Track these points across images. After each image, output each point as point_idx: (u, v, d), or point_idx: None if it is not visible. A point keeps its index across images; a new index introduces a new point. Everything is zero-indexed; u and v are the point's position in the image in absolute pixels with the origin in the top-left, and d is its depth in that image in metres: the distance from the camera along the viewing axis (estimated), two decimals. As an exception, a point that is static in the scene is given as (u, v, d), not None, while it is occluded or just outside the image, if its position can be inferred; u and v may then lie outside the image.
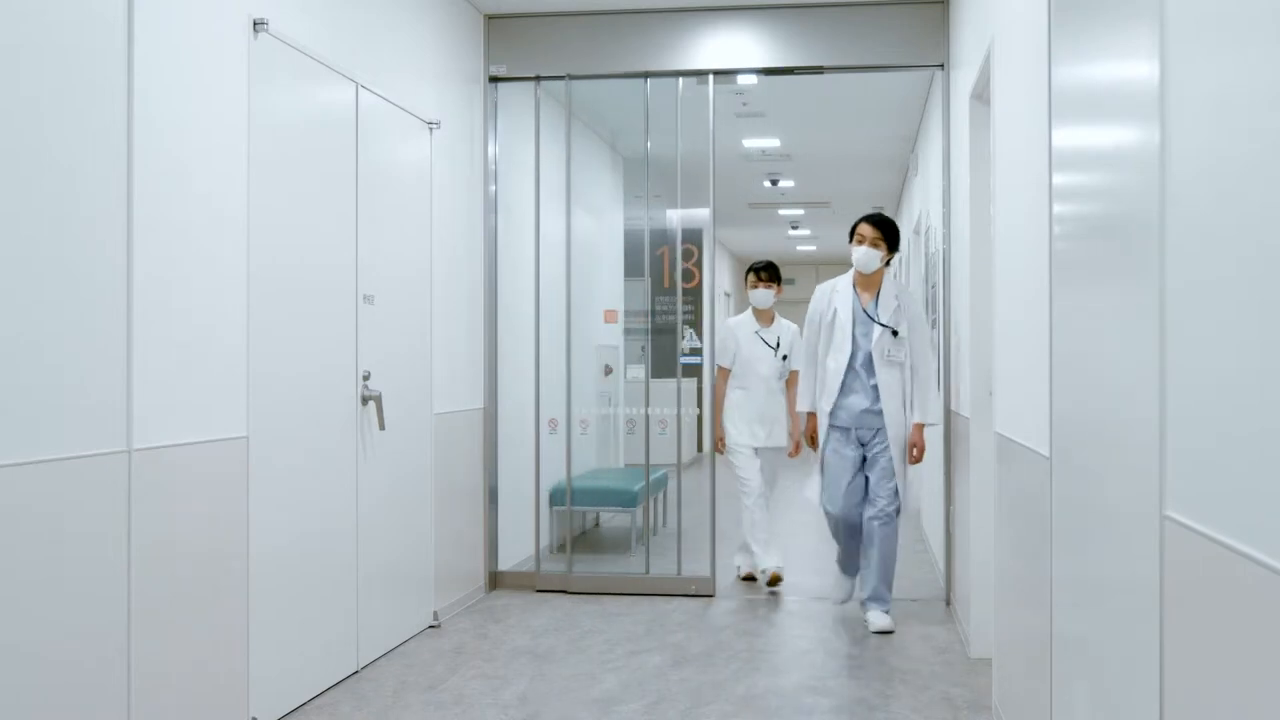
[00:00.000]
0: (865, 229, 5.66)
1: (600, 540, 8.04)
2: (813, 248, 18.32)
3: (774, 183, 11.65)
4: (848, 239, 5.74)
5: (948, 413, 5.99)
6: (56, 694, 2.93)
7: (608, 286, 8.76)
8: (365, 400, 4.76)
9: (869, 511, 5.60)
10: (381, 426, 4.86)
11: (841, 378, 5.60)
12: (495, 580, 6.49)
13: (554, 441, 6.98)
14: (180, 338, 3.48)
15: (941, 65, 6.16)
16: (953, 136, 5.93)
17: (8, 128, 2.77)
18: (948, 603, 6.01)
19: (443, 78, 5.83)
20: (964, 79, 5.22)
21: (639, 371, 8.01)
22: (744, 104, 8.22)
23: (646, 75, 6.36)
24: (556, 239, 6.79)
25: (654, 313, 8.20)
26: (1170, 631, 1.84)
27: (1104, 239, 2.33)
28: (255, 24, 3.91)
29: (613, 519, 8.60)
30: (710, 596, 6.33)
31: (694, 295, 15.88)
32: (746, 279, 6.88)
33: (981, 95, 4.76)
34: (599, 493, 7.18)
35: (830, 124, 9.02)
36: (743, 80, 6.86)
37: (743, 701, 4.36)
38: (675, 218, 7.52)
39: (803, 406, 5.94)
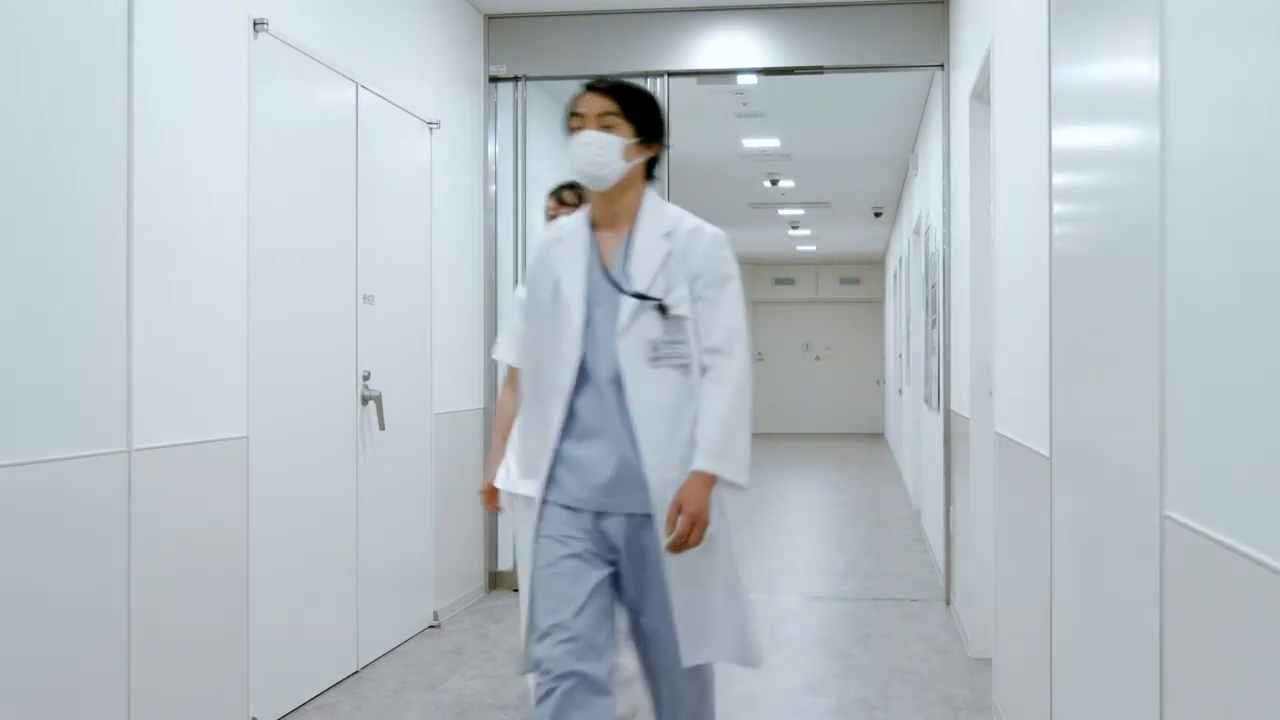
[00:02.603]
0: (591, 100, 2.81)
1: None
2: (813, 248, 18.32)
3: (774, 183, 11.65)
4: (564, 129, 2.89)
5: (947, 413, 5.98)
6: (57, 694, 2.93)
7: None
8: (365, 400, 4.76)
9: (656, 676, 2.86)
10: (381, 426, 4.86)
11: (566, 404, 2.76)
12: (495, 580, 6.49)
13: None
14: (180, 338, 3.48)
15: (941, 65, 6.16)
16: (953, 136, 5.93)
17: (8, 128, 2.77)
18: (948, 603, 6.01)
19: (443, 78, 5.83)
20: (964, 79, 5.22)
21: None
22: (744, 104, 8.22)
23: (646, 75, 6.36)
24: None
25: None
26: (1170, 631, 1.84)
27: (1104, 239, 2.33)
28: (255, 24, 3.91)
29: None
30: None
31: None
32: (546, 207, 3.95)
33: (981, 95, 4.76)
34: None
35: (830, 124, 9.02)
36: (743, 80, 6.86)
37: (743, 702, 4.36)
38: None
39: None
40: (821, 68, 6.31)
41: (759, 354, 20.58)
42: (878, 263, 19.79)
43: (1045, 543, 2.94)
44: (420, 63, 5.57)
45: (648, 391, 2.72)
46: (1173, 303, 1.81)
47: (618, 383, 2.73)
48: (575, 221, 2.91)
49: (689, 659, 2.72)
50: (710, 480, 2.67)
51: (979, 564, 4.85)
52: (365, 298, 4.78)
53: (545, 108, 6.73)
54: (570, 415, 2.76)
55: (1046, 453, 2.91)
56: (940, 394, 6.34)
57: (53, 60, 2.93)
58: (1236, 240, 1.53)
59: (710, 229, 2.83)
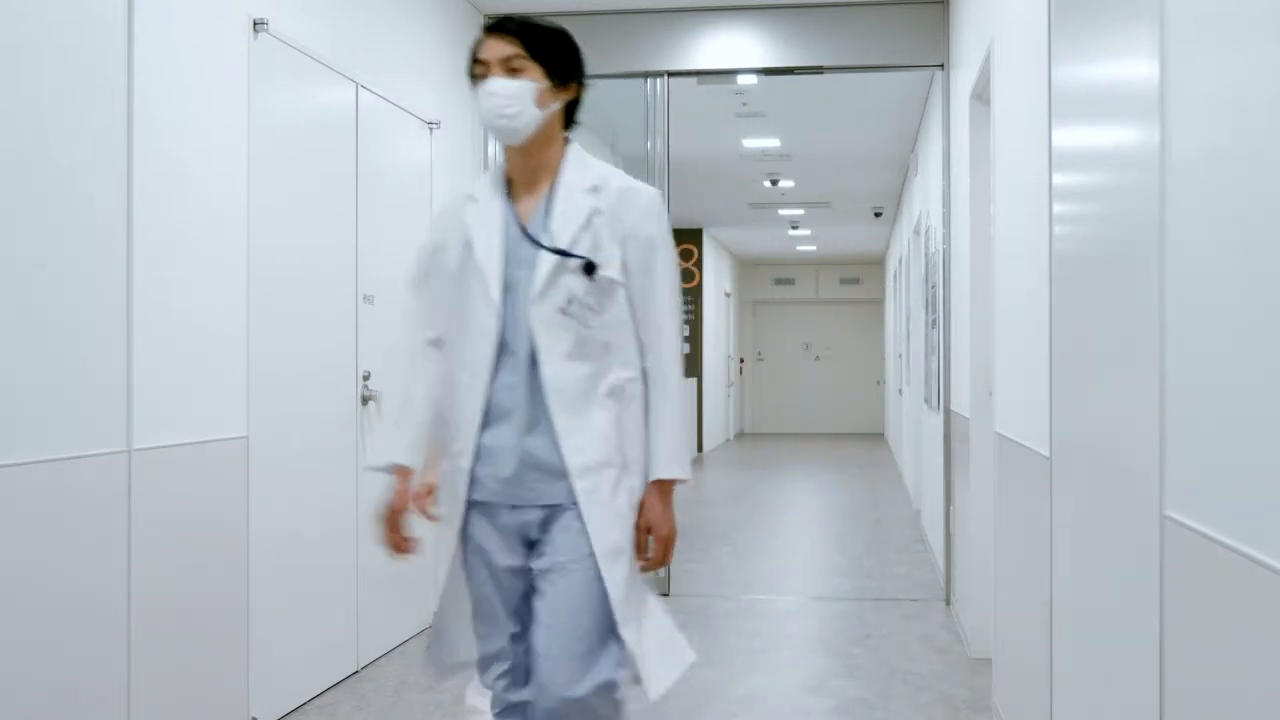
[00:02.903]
0: (493, 45, 2.53)
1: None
2: (813, 248, 18.32)
3: (774, 183, 11.65)
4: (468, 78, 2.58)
5: (947, 413, 5.97)
6: (57, 694, 2.93)
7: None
8: (365, 400, 4.76)
9: (539, 703, 2.40)
10: (381, 426, 4.86)
11: (487, 385, 2.44)
12: (495, 580, 6.49)
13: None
14: (180, 338, 3.49)
15: (941, 65, 6.16)
16: (953, 136, 5.93)
17: (8, 128, 2.77)
18: (948, 603, 6.01)
19: (443, 78, 5.83)
20: (964, 79, 5.22)
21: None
22: (744, 104, 8.22)
23: (646, 75, 6.36)
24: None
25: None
26: (1170, 631, 1.84)
27: (1104, 239, 2.34)
28: (255, 24, 3.91)
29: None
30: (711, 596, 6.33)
31: (694, 295, 15.92)
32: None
33: (981, 95, 4.76)
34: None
35: (830, 124, 9.02)
36: (743, 80, 6.86)
37: (743, 702, 4.36)
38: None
39: (389, 456, 2.59)
40: (821, 68, 6.32)
41: (759, 354, 20.61)
42: (878, 263, 19.79)
43: (1045, 543, 2.94)
44: (420, 63, 5.57)
45: (563, 364, 2.39)
46: (1173, 303, 1.81)
47: (530, 354, 2.41)
48: (488, 179, 2.57)
49: (644, 681, 2.44)
50: (671, 488, 2.49)
51: (979, 564, 4.85)
52: (365, 298, 4.78)
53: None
54: (488, 400, 2.44)
55: (1046, 453, 2.91)
56: (940, 394, 6.34)
57: (53, 60, 2.93)
58: (1236, 240, 1.53)
59: (646, 188, 2.53)
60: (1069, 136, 2.67)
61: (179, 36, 3.50)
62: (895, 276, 13.61)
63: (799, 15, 6.30)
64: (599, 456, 2.40)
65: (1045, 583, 2.94)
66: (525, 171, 2.52)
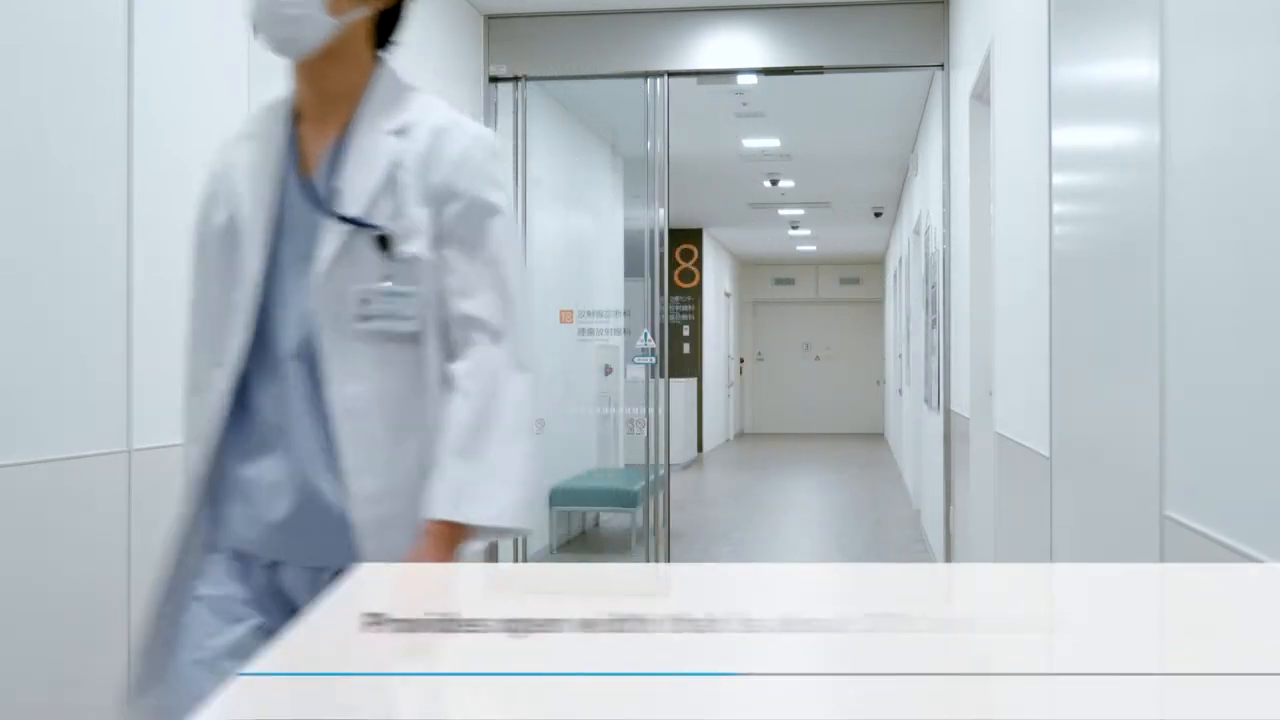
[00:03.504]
0: None
1: (600, 540, 8.04)
2: (813, 248, 18.33)
3: (774, 183, 11.65)
4: None
5: (947, 413, 5.97)
6: (57, 693, 2.93)
7: (603, 286, 8.77)
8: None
9: None
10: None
11: (231, 392, 1.83)
12: (495, 580, 6.49)
13: (543, 441, 6.98)
14: (180, 338, 3.48)
15: (941, 65, 6.16)
16: (953, 136, 5.93)
17: (8, 128, 2.77)
18: (948, 603, 6.00)
19: (443, 78, 5.83)
20: (964, 79, 5.22)
21: (638, 372, 8.01)
22: (744, 104, 8.23)
23: (646, 75, 6.36)
24: (554, 238, 6.79)
25: (626, 313, 8.18)
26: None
27: (1104, 239, 2.34)
28: (255, 24, 3.90)
29: (612, 519, 8.61)
30: (710, 596, 6.33)
31: (694, 295, 15.92)
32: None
33: (981, 95, 4.76)
34: (598, 493, 7.18)
35: (830, 124, 9.02)
36: (743, 80, 6.86)
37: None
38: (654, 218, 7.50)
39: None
40: (821, 68, 6.31)
41: (759, 354, 20.62)
42: (878, 263, 19.79)
43: (1045, 543, 2.94)
44: (420, 63, 5.57)
45: (356, 373, 1.74)
46: (1173, 303, 1.81)
47: (310, 359, 1.76)
48: (269, 110, 1.91)
49: None
50: (451, 535, 1.68)
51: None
52: (365, 298, 4.77)
53: (545, 108, 6.73)
54: (241, 411, 1.81)
55: (1046, 453, 2.91)
56: (940, 394, 6.34)
57: (53, 60, 2.93)
58: (1236, 240, 1.53)
59: (472, 127, 1.88)
60: (1069, 136, 2.68)
61: (179, 36, 3.50)
62: (895, 276, 13.61)
63: (799, 15, 6.29)
64: (399, 507, 1.73)
65: (1045, 583, 2.94)
66: (315, 103, 1.85)
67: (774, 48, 6.34)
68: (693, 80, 6.65)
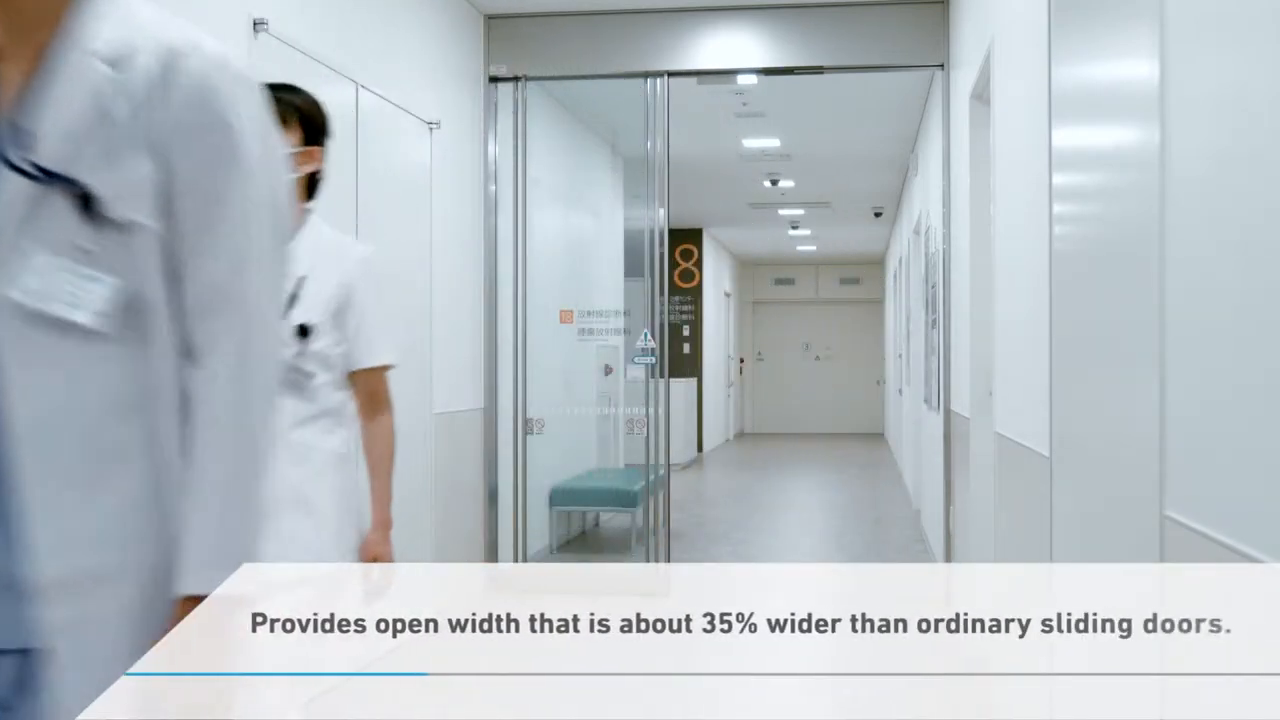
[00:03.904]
0: None
1: (600, 540, 8.04)
2: (813, 248, 18.33)
3: (774, 183, 11.65)
4: None
5: (947, 413, 5.97)
6: (56, 694, 2.93)
7: (603, 286, 8.77)
8: (365, 400, 4.75)
9: None
10: (381, 426, 4.85)
11: None
12: (495, 580, 6.49)
13: (542, 441, 6.98)
14: None
15: (941, 65, 6.16)
16: (953, 136, 5.93)
17: (8, 128, 2.77)
18: (948, 603, 6.00)
19: (443, 78, 5.83)
20: (964, 79, 5.23)
21: (638, 372, 8.01)
22: (744, 104, 8.23)
23: (646, 75, 6.36)
24: (553, 238, 6.80)
25: (626, 313, 8.18)
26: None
27: (1104, 239, 2.34)
28: (255, 24, 3.91)
29: (612, 519, 8.61)
30: (710, 596, 6.33)
31: (694, 295, 15.93)
32: None
33: (981, 95, 4.76)
34: (598, 493, 7.19)
35: (830, 124, 9.02)
36: (743, 80, 6.86)
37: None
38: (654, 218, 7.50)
39: None
40: (821, 68, 6.31)
41: (759, 354, 20.62)
42: (878, 263, 19.79)
43: (1045, 543, 2.94)
44: (420, 63, 5.57)
45: (43, 380, 1.31)
46: (1172, 303, 1.81)
47: None
48: None
49: None
50: (189, 605, 1.34)
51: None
52: (365, 298, 4.78)
53: (545, 108, 6.73)
54: None
55: (1046, 452, 2.91)
56: (940, 394, 6.34)
57: None
58: (1236, 240, 1.53)
59: (215, 49, 1.40)
60: (1069, 136, 2.68)
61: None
62: (895, 276, 13.61)
63: (799, 15, 6.29)
64: (108, 559, 1.32)
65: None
66: (7, 28, 1.36)
67: (774, 48, 6.34)
68: (693, 80, 6.65)
